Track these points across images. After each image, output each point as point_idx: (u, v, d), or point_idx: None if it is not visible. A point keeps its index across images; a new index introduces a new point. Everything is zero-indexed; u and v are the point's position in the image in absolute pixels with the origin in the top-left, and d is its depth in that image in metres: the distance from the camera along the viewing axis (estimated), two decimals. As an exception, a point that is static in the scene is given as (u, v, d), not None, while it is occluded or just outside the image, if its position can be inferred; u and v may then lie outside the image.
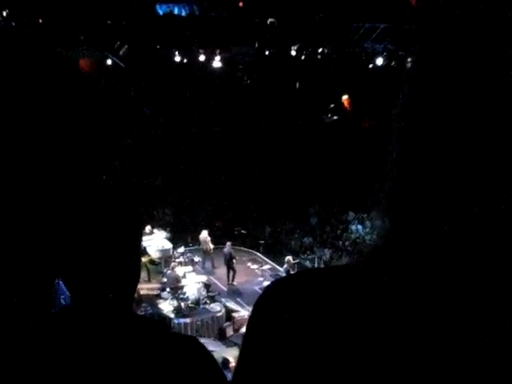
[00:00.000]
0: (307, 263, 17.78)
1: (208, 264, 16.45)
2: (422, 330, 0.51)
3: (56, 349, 0.97)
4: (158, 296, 12.82)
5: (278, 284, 0.63)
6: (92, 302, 1.02)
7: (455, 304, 0.50)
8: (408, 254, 0.54)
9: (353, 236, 18.59)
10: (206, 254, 16.40)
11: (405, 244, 0.54)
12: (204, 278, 14.20)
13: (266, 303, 0.61)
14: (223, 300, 13.38)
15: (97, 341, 0.98)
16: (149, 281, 13.73)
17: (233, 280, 15.31)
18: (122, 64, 14.52)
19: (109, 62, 14.67)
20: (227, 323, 12.33)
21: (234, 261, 15.38)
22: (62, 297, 10.27)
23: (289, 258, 14.49)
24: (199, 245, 16.87)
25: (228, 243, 15.52)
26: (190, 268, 14.90)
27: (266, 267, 16.30)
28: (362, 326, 0.53)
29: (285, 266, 14.27)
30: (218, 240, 16.96)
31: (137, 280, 1.06)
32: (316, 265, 17.42)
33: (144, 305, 11.91)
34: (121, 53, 13.85)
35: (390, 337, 0.52)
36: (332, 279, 0.58)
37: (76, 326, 0.99)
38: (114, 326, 1.00)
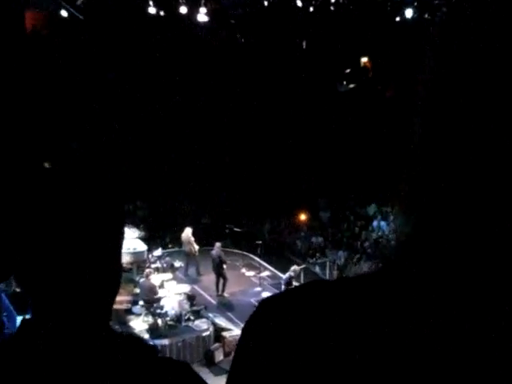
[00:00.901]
0: (316, 269, 17.95)
1: (192, 270, 16.50)
2: (463, 363, 0.52)
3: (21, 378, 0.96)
4: (129, 311, 12.93)
5: (276, 300, 0.63)
6: (62, 317, 1.02)
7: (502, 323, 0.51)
8: (438, 261, 0.54)
9: (374, 235, 18.67)
10: (189, 257, 16.44)
11: (435, 248, 0.54)
12: (187, 288, 14.32)
13: (260, 324, 0.62)
14: (211, 316, 13.48)
15: (71, 365, 0.98)
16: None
17: (223, 290, 15.36)
18: (80, 16, 14.39)
19: (64, 13, 14.53)
20: (216, 345, 12.41)
21: (225, 266, 15.44)
22: (5, 314, 10.22)
23: (295, 267, 14.63)
24: (181, 246, 16.91)
25: (217, 244, 15.57)
26: (169, 275, 15.01)
27: (264, 274, 16.33)
28: (382, 360, 0.53)
29: (287, 273, 14.40)
30: (204, 240, 16.95)
31: (116, 288, 1.10)
32: (328, 271, 17.58)
33: (110, 322, 11.67)
34: (79, 2, 13.73)
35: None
36: (347, 296, 0.58)
37: (44, 345, 0.99)
38: (92, 346, 1.01)
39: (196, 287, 15.37)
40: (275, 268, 17.00)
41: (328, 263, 17.88)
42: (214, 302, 14.97)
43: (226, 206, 20.31)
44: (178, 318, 12.77)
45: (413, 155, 0.56)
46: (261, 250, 17.75)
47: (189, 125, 21.58)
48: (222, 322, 13.31)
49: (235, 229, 18.72)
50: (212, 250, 15.65)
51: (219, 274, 15.35)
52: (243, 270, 16.93)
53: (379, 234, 18.59)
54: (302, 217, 20.29)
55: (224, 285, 15.39)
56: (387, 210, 18.86)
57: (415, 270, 0.55)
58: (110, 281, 1.09)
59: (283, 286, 13.96)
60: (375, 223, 19.24)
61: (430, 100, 0.54)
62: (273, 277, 16.39)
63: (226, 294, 15.32)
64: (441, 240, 0.53)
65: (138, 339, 1.13)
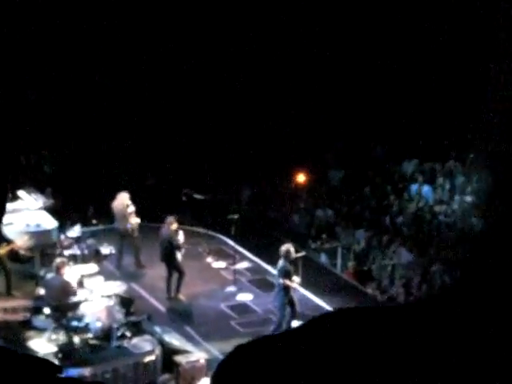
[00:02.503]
0: (322, 258, 18.07)
1: (129, 259, 16.60)
2: None
3: None
4: (27, 324, 13.11)
5: (271, 344, 0.91)
6: None
7: None
8: None
9: (413, 206, 18.99)
10: (124, 239, 16.57)
11: None
12: (121, 288, 14.25)
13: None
14: (158, 330, 13.56)
15: None
16: (8, 294, 13.90)
17: (177, 291, 15.45)
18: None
19: None
20: (165, 377, 12.70)
21: (180, 254, 15.43)
22: None
23: (288, 246, 14.50)
24: (112, 222, 17.06)
25: (169, 219, 15.57)
26: (92, 268, 14.98)
27: (241, 265, 16.60)
28: None
29: (280, 263, 14.26)
30: (149, 213, 17.27)
31: None
32: (339, 260, 17.74)
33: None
34: None
35: None
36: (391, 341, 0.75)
37: None
38: None
39: (135, 286, 15.48)
40: (258, 256, 17.17)
41: (340, 249, 18.13)
42: (162, 308, 15.15)
43: (182, 159, 20.39)
44: (107, 335, 12.85)
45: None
46: (236, 229, 17.48)
47: (123, 40, 22.27)
48: (175, 339, 13.46)
49: (197, 195, 18.65)
50: (161, 227, 15.71)
51: (171, 265, 15.36)
52: (209, 260, 17.11)
53: (421, 204, 18.89)
54: (301, 178, 20.28)
55: (179, 282, 15.43)
56: (434, 169, 19.36)
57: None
58: None
59: (280, 280, 13.91)
60: (414, 188, 19.55)
61: None
62: (254, 270, 16.62)
63: (181, 297, 15.44)
64: None
65: (32, 358, 1.46)
